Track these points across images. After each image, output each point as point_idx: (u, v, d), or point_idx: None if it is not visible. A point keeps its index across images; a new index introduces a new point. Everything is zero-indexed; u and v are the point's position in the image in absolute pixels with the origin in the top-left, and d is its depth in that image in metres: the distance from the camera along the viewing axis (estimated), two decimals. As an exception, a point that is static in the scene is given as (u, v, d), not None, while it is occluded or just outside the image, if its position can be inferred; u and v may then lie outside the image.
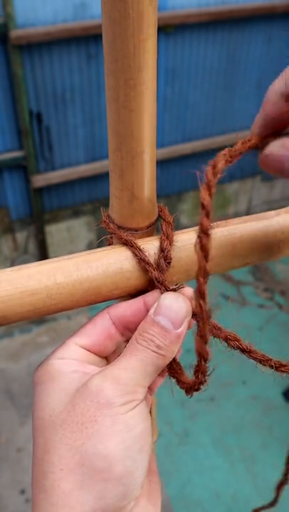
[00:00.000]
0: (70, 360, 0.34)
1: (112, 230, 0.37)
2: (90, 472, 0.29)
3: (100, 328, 0.35)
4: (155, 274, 0.35)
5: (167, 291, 0.35)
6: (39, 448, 0.31)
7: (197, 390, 0.34)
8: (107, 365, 0.34)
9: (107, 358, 0.37)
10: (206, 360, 0.32)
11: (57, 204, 2.47)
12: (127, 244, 0.36)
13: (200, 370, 0.33)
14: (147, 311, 0.34)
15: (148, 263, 0.35)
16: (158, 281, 0.35)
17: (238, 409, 2.19)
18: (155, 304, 0.33)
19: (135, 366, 0.31)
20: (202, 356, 0.31)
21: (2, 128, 2.14)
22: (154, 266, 0.35)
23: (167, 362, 0.33)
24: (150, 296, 0.35)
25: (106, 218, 0.38)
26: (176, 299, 0.33)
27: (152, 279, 0.35)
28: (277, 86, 0.30)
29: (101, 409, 0.30)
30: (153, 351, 0.32)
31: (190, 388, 0.34)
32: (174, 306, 0.33)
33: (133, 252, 0.35)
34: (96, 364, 0.35)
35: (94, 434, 0.29)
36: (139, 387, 0.31)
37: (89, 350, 0.35)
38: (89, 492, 0.29)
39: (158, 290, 0.35)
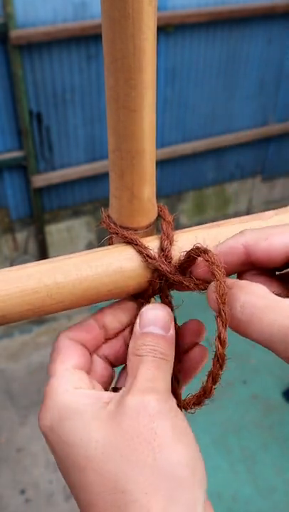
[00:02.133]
0: (78, 390, 0.33)
1: (114, 230, 0.37)
2: (175, 484, 0.28)
3: (72, 348, 0.35)
4: (165, 267, 0.35)
5: (179, 283, 0.35)
6: (95, 487, 0.28)
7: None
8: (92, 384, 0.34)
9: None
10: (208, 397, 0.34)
11: (57, 204, 2.47)
12: (131, 243, 0.36)
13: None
14: (98, 326, 0.36)
15: (155, 259, 0.35)
16: (170, 273, 0.35)
17: (238, 409, 2.19)
18: (138, 320, 0.34)
19: (156, 375, 0.31)
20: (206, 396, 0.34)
21: (2, 128, 2.14)
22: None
23: (172, 365, 0.33)
24: (99, 314, 0.37)
25: (106, 218, 0.38)
26: (156, 307, 0.34)
27: (152, 279, 0.35)
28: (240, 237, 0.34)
29: (155, 420, 0.29)
30: (160, 358, 0.32)
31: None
32: (157, 313, 0.34)
33: (138, 250, 0.35)
34: (91, 386, 0.34)
35: (161, 445, 0.28)
36: (170, 393, 0.32)
37: (80, 369, 0.35)
38: (180, 503, 0.27)
39: (104, 311, 0.37)
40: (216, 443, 2.06)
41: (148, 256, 0.35)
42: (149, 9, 0.28)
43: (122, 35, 0.29)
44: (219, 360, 0.32)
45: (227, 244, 0.33)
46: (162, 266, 0.35)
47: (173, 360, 0.34)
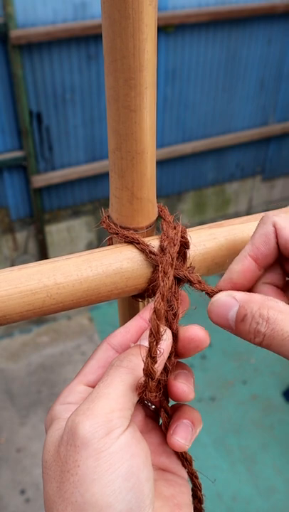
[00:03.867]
0: (72, 405, 0.32)
1: (114, 230, 0.36)
2: None
3: (103, 361, 0.34)
4: (169, 261, 0.35)
5: (183, 277, 0.35)
6: (44, 503, 0.29)
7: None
8: None
9: None
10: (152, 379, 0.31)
11: (57, 204, 2.47)
12: (132, 242, 0.35)
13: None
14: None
15: (158, 254, 0.35)
16: (175, 268, 0.35)
17: (238, 409, 2.19)
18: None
19: (103, 392, 0.30)
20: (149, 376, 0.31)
21: (2, 128, 2.14)
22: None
23: (137, 375, 0.31)
24: (147, 311, 0.36)
25: (106, 219, 0.38)
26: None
27: (152, 279, 0.35)
28: (247, 247, 0.34)
29: (79, 451, 0.27)
30: (122, 367, 0.31)
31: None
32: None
33: (141, 249, 0.35)
34: None
35: (79, 481, 0.27)
36: (115, 412, 0.29)
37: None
38: None
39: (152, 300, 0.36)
40: (216, 443, 2.06)
41: (151, 252, 0.35)
42: (150, 9, 0.28)
43: (122, 35, 0.29)
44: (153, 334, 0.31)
45: (258, 234, 0.34)
46: (167, 260, 0.35)
47: (139, 372, 0.32)
